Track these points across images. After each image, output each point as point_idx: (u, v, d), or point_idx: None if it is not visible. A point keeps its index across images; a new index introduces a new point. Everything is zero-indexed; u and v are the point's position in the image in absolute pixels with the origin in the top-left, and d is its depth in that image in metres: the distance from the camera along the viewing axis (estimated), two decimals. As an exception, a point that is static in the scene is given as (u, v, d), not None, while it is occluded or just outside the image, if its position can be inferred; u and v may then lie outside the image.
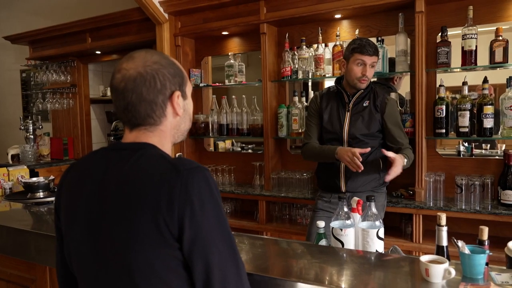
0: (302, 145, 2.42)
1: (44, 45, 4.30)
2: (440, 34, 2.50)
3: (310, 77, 2.95)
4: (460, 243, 1.08)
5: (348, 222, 1.56)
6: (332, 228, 1.56)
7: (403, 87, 2.89)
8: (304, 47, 2.93)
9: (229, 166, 3.35)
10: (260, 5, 2.96)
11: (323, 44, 2.91)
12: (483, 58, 2.45)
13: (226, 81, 3.31)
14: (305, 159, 2.42)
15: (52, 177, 2.60)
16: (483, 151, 3.24)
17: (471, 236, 2.47)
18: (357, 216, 1.61)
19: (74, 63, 4.34)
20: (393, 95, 2.68)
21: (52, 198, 2.46)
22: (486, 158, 2.75)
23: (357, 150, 2.05)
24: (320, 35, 2.88)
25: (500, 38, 2.36)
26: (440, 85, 2.52)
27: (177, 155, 3.42)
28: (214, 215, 0.85)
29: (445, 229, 1.23)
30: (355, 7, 2.63)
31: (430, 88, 2.62)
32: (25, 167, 2.83)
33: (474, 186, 2.41)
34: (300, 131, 2.93)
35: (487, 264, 1.13)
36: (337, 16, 2.85)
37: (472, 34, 2.40)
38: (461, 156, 3.04)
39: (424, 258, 1.08)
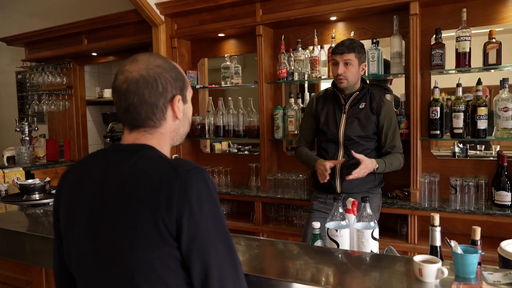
0: (295, 148, 2.46)
1: (40, 47, 4.29)
2: (434, 36, 2.52)
3: (306, 79, 2.97)
4: (452, 243, 1.10)
5: (343, 223, 1.58)
6: (327, 229, 1.57)
7: (399, 88, 2.91)
8: (300, 49, 2.94)
9: (226, 168, 3.36)
10: (256, 7, 2.98)
11: (319, 46, 2.93)
12: (477, 60, 2.47)
13: (223, 82, 3.32)
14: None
15: (48, 179, 2.60)
16: (478, 152, 3.27)
17: (466, 236, 2.50)
18: (352, 217, 1.62)
19: (70, 65, 4.34)
20: (388, 96, 2.70)
21: (48, 200, 2.46)
22: (481, 159, 2.77)
23: (330, 165, 2.16)
24: (316, 37, 2.90)
25: (494, 40, 2.38)
26: (435, 87, 2.55)
27: (173, 156, 3.43)
28: (212, 215, 0.86)
29: (438, 229, 1.24)
30: (350, 9, 2.65)
31: (425, 89, 2.64)
32: (21, 169, 2.82)
33: (469, 187, 2.43)
34: (296, 132, 2.95)
35: (480, 263, 1.15)
36: (333, 18, 2.87)
37: (465, 36, 2.42)
38: (456, 157, 3.07)
39: (417, 258, 1.09)
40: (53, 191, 2.51)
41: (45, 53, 4.26)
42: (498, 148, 3.08)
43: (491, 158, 2.86)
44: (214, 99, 3.35)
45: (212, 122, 3.35)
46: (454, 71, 2.55)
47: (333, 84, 2.32)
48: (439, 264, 1.05)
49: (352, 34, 2.80)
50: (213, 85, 3.49)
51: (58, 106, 4.34)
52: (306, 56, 2.94)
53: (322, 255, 1.42)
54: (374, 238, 1.53)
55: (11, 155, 4.08)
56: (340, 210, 1.59)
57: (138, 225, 0.84)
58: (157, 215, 0.83)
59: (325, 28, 2.96)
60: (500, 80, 2.37)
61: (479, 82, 2.44)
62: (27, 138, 4.20)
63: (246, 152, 3.97)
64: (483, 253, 1.13)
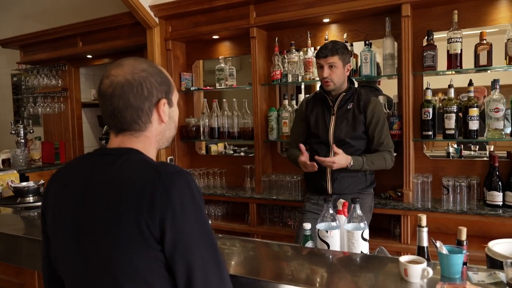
0: (286, 150, 2.49)
1: (35, 49, 4.29)
2: (426, 37, 2.54)
3: (299, 80, 2.98)
4: (438, 243, 1.11)
5: (334, 224, 1.59)
6: (318, 230, 1.59)
7: (392, 89, 2.93)
8: (294, 50, 2.96)
9: (221, 169, 3.37)
10: (249, 9, 2.99)
11: (312, 48, 2.94)
12: (468, 61, 2.49)
13: (217, 84, 3.33)
14: None
15: (42, 181, 2.60)
16: (472, 152, 3.28)
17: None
18: (342, 218, 1.64)
19: (66, 67, 4.34)
20: (381, 98, 2.72)
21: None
22: (473, 160, 2.79)
23: (302, 158, 2.22)
24: (309, 39, 2.92)
25: (484, 41, 2.40)
26: (427, 88, 2.56)
27: (168, 158, 3.44)
28: (195, 218, 0.87)
29: (425, 230, 1.25)
30: (342, 11, 2.66)
31: (417, 91, 2.66)
32: (15, 171, 2.82)
33: (461, 187, 2.45)
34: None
35: (465, 263, 1.16)
36: (326, 20, 2.88)
37: (457, 38, 2.44)
38: (451, 157, 3.08)
39: (403, 258, 1.10)
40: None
41: (40, 56, 4.26)
42: (492, 148, 3.10)
43: (485, 159, 2.88)
44: (210, 101, 3.36)
45: (207, 124, 3.36)
46: (446, 72, 2.56)
47: (321, 86, 2.33)
48: (424, 265, 1.06)
49: (345, 36, 2.82)
50: (208, 87, 3.50)
51: (54, 108, 4.34)
52: (300, 57, 2.95)
53: (311, 257, 1.44)
54: (364, 239, 1.55)
55: (7, 157, 4.07)
56: (331, 211, 1.60)
57: (122, 229, 0.85)
58: (140, 218, 0.84)
59: (319, 30, 2.98)
60: (491, 81, 2.39)
61: (470, 83, 2.46)
62: (23, 141, 4.20)
63: (242, 154, 3.97)
64: (467, 253, 1.15)
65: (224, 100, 3.33)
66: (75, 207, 0.93)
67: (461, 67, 2.47)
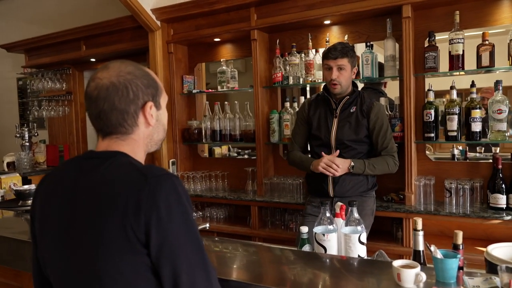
0: (287, 153, 2.46)
1: (39, 53, 4.33)
2: (427, 39, 2.52)
3: (300, 82, 2.97)
4: (432, 247, 1.09)
5: (331, 227, 1.57)
6: (315, 233, 1.57)
7: (393, 91, 2.90)
8: (295, 53, 2.95)
9: (223, 172, 3.36)
10: (250, 11, 2.99)
11: (314, 50, 2.93)
12: (471, 62, 2.46)
13: (219, 87, 3.33)
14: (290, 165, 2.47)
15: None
16: (478, 154, 3.24)
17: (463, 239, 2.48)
18: (340, 221, 1.62)
19: (70, 71, 4.37)
20: (383, 100, 2.69)
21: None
22: (477, 162, 2.75)
23: (328, 157, 2.16)
24: (310, 41, 2.91)
25: (487, 42, 2.37)
26: (429, 90, 2.54)
27: (170, 161, 3.44)
28: (181, 222, 0.86)
29: (421, 233, 1.24)
30: (343, 13, 2.65)
31: (419, 92, 2.63)
32: (17, 174, 2.85)
33: (464, 190, 2.41)
34: (291, 136, 2.95)
35: (462, 268, 1.14)
36: (327, 22, 2.87)
37: (459, 38, 2.42)
38: (456, 159, 3.04)
39: (396, 263, 1.08)
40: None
41: (44, 59, 4.29)
42: (498, 150, 3.06)
43: (490, 161, 2.84)
44: (214, 104, 3.36)
45: (209, 126, 3.36)
46: (448, 74, 2.53)
47: (325, 88, 2.32)
48: (417, 269, 1.04)
49: (346, 37, 2.80)
50: (210, 90, 3.51)
51: (58, 111, 4.37)
52: (302, 59, 2.94)
53: (305, 261, 1.42)
54: (361, 243, 1.53)
55: (11, 160, 4.11)
56: (327, 214, 1.59)
57: (107, 232, 0.85)
58: (126, 222, 0.83)
59: (320, 32, 2.96)
60: (494, 82, 2.36)
61: (473, 84, 2.43)
62: (27, 144, 4.24)
63: (245, 156, 3.96)
64: (462, 257, 1.12)
65: (226, 102, 3.33)
66: (61, 211, 0.93)
67: (463, 68, 2.44)
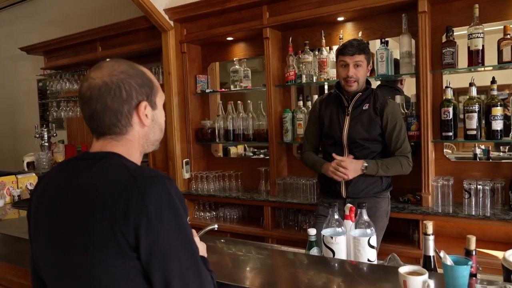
0: (300, 153, 2.42)
1: (58, 55, 4.40)
2: (445, 34, 2.42)
3: (314, 81, 2.91)
4: (442, 253, 1.03)
5: (339, 229, 1.52)
6: (323, 235, 1.53)
7: (410, 89, 2.81)
8: (308, 50, 2.89)
9: (236, 172, 3.34)
10: (262, 10, 2.95)
11: (328, 48, 2.87)
12: (491, 58, 2.36)
13: (232, 86, 3.31)
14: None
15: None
16: (501, 153, 3.11)
17: (482, 242, 2.39)
18: (349, 224, 1.57)
19: (87, 72, 4.42)
20: (398, 98, 2.62)
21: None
22: (500, 162, 2.64)
23: (336, 160, 2.12)
24: (323, 38, 2.85)
25: (508, 36, 2.27)
26: (446, 87, 2.44)
27: (183, 161, 3.44)
28: (173, 225, 0.84)
29: (431, 238, 1.17)
30: (356, 9, 2.58)
31: (436, 90, 2.54)
32: (34, 174, 2.89)
33: (484, 191, 2.32)
34: (305, 135, 2.90)
35: (475, 275, 1.07)
36: (340, 18, 2.80)
37: (478, 33, 2.32)
38: (477, 159, 2.93)
39: (402, 269, 1.03)
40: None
41: (62, 61, 4.36)
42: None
43: (513, 160, 2.72)
44: (225, 103, 3.34)
45: (222, 126, 3.34)
46: (466, 70, 2.43)
47: (337, 86, 2.26)
48: (425, 277, 0.98)
49: (360, 34, 2.73)
50: (223, 89, 3.49)
51: (76, 112, 4.44)
52: (316, 56, 2.88)
53: (309, 265, 1.37)
54: (371, 246, 1.48)
55: (31, 160, 4.19)
56: (336, 216, 1.54)
57: (96, 235, 0.83)
58: (115, 225, 0.81)
59: (333, 29, 2.90)
60: (516, 78, 2.25)
61: (493, 81, 2.33)
62: (46, 144, 4.31)
63: (261, 156, 3.92)
64: (474, 264, 1.06)
65: (239, 102, 3.30)
66: (53, 212, 0.92)
67: (483, 64, 2.34)
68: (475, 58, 2.35)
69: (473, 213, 2.28)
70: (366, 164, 2.12)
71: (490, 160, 2.84)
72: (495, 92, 2.32)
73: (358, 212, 1.51)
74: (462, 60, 2.43)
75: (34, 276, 1.04)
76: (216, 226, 1.97)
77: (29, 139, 5.02)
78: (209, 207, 3.40)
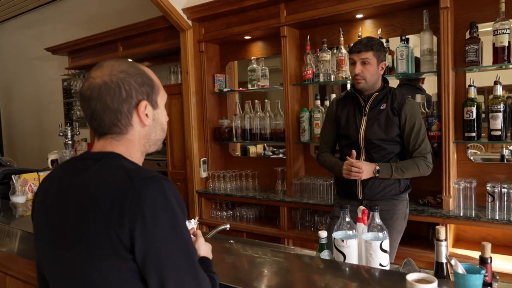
0: (317, 154, 2.37)
1: (81, 55, 4.50)
2: (469, 30, 2.33)
3: (332, 80, 2.86)
4: (453, 260, 0.98)
5: (350, 232, 1.48)
6: (334, 238, 1.49)
7: (432, 88, 2.72)
8: (326, 49, 2.84)
9: (253, 171, 3.32)
10: (280, 8, 2.92)
11: (346, 46, 2.81)
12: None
13: (249, 85, 3.29)
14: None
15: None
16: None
17: (504, 248, 2.29)
18: (361, 226, 1.52)
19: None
20: (419, 97, 2.54)
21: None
22: (527, 164, 2.51)
23: (348, 161, 2.08)
24: (342, 36, 2.79)
25: (536, 32, 2.15)
26: (470, 85, 2.35)
27: (201, 160, 3.45)
28: (169, 227, 0.82)
29: (444, 243, 1.12)
30: (375, 5, 2.51)
31: (459, 88, 2.45)
32: (54, 172, 2.95)
33: (509, 194, 2.21)
34: (322, 135, 2.85)
35: (490, 285, 1.01)
36: (359, 16, 2.74)
37: (504, 29, 2.21)
38: (505, 161, 2.81)
39: (410, 276, 0.98)
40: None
41: (85, 61, 4.45)
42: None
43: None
44: (244, 102, 3.32)
45: (239, 125, 3.33)
46: (491, 68, 2.33)
47: (353, 85, 2.20)
48: (434, 285, 0.93)
49: (379, 32, 2.66)
50: (240, 88, 3.47)
51: (98, 111, 4.52)
52: (335, 54, 2.83)
53: (315, 269, 1.34)
54: (383, 250, 1.43)
55: (55, 158, 4.29)
56: (347, 219, 1.50)
57: (92, 236, 0.82)
58: (110, 226, 0.81)
59: (352, 26, 2.84)
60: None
61: (520, 79, 2.22)
62: (70, 142, 4.41)
63: (280, 155, 3.89)
64: (487, 274, 1.00)
65: (256, 101, 3.28)
66: (54, 212, 0.92)
67: (509, 61, 2.24)
68: (501, 55, 2.24)
69: (497, 217, 2.18)
70: (378, 168, 2.05)
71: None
72: (521, 91, 2.21)
73: (370, 215, 1.46)
74: (487, 58, 2.33)
75: (39, 275, 1.05)
76: (228, 226, 1.96)
77: (54, 137, 5.16)
78: (226, 206, 3.40)
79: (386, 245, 1.43)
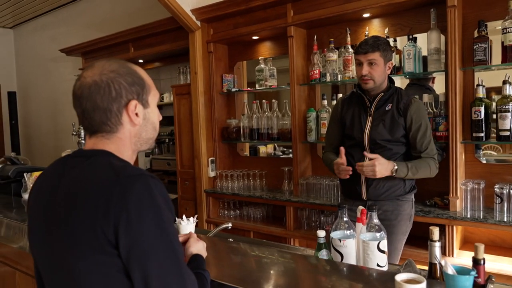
0: (323, 153, 2.37)
1: (94, 56, 4.58)
2: (477, 29, 2.29)
3: (338, 79, 2.85)
4: (443, 261, 0.97)
5: (348, 232, 1.48)
6: (332, 238, 1.49)
7: (441, 87, 2.68)
8: (333, 48, 2.83)
9: (261, 171, 3.33)
10: (287, 8, 2.92)
11: (353, 45, 2.79)
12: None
13: (257, 85, 3.30)
14: None
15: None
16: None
17: None
18: (360, 227, 1.51)
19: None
20: (426, 96, 2.51)
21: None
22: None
23: (369, 155, 2.04)
24: (349, 35, 2.77)
25: (547, 30, 2.11)
26: (478, 85, 2.31)
27: (209, 159, 3.47)
28: (153, 224, 0.84)
29: (438, 244, 1.11)
30: (382, 4, 2.49)
31: (467, 88, 2.41)
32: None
33: (517, 196, 2.17)
34: (329, 135, 2.84)
35: (483, 286, 1.00)
36: (366, 15, 2.72)
37: (513, 27, 2.17)
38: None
39: (399, 277, 0.98)
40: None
41: (98, 62, 4.52)
42: None
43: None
44: (251, 102, 3.33)
45: (247, 125, 3.34)
46: (500, 67, 2.29)
47: (358, 85, 2.19)
48: (423, 285, 0.93)
49: (386, 31, 2.64)
50: (248, 88, 3.49)
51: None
52: (342, 54, 2.81)
53: (310, 269, 1.34)
54: (380, 251, 1.42)
55: (68, 157, 4.38)
56: (345, 218, 1.49)
57: (79, 232, 0.84)
58: (96, 222, 0.82)
59: (359, 26, 2.82)
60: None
61: (529, 78, 2.17)
62: (83, 142, 4.48)
63: (290, 155, 3.89)
64: (477, 275, 0.99)
65: (264, 101, 3.29)
66: (45, 208, 0.95)
67: (518, 60, 2.19)
68: (510, 54, 2.20)
69: (505, 219, 2.14)
70: (396, 167, 2.01)
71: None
72: (531, 90, 2.16)
73: (368, 215, 1.46)
74: (496, 57, 2.29)
75: (36, 269, 1.07)
76: (230, 225, 1.97)
77: (68, 136, 5.26)
78: (233, 205, 3.42)
79: (384, 245, 1.42)
